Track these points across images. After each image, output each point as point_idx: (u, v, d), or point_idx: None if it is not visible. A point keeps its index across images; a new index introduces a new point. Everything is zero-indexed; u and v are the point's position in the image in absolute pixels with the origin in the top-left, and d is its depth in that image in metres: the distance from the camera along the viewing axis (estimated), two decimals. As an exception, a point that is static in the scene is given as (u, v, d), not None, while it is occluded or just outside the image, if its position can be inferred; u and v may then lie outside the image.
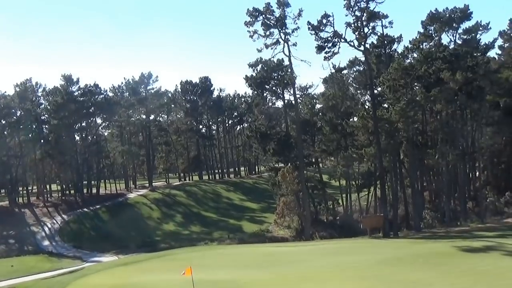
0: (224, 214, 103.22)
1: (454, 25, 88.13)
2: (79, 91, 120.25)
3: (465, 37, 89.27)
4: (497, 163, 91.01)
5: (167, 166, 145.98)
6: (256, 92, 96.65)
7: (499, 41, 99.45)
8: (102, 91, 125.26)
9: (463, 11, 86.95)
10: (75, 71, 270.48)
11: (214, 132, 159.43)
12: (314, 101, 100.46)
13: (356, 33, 67.81)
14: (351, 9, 66.17)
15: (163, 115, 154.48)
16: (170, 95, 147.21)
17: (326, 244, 56.49)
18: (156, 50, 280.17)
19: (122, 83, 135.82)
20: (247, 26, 76.30)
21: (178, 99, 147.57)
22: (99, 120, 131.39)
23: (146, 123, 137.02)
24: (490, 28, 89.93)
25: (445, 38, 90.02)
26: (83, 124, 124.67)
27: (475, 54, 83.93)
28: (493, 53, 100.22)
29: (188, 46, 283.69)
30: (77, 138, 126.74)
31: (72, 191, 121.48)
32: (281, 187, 77.15)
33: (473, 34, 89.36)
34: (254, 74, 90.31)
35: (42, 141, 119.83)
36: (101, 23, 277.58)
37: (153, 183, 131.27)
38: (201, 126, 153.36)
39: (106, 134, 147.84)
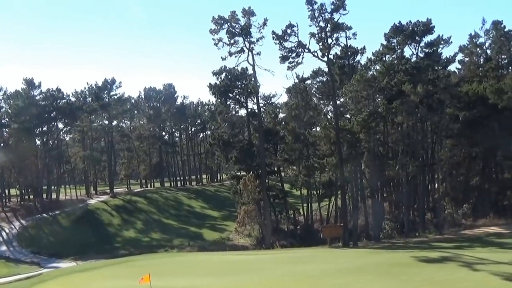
0: (185, 222, 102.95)
1: (416, 38, 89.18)
2: (41, 95, 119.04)
3: (427, 50, 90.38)
4: (455, 175, 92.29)
5: (128, 173, 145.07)
6: (219, 100, 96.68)
7: (460, 56, 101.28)
8: (64, 96, 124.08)
9: (425, 25, 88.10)
10: (37, 74, 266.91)
11: (176, 139, 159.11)
12: (277, 110, 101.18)
13: (320, 44, 68.43)
14: (315, 20, 66.76)
15: (125, 121, 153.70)
16: (133, 101, 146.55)
17: (286, 253, 56.63)
18: (120, 56, 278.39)
19: (85, 88, 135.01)
20: (212, 34, 76.49)
21: (141, 106, 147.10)
22: (60, 125, 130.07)
23: (108, 128, 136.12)
24: (451, 42, 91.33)
25: (408, 51, 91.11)
26: (44, 128, 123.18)
27: (436, 68, 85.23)
28: (453, 67, 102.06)
29: (153, 53, 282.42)
30: (38, 142, 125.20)
31: (32, 196, 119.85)
32: (243, 195, 77.17)
33: (434, 48, 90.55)
34: (218, 82, 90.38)
35: (1, 145, 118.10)
36: (67, 26, 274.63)
37: (114, 189, 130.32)
38: (164, 133, 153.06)
39: (67, 139, 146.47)
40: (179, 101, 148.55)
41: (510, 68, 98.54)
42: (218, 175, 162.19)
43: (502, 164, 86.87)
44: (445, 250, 47.15)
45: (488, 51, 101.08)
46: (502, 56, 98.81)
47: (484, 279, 30.48)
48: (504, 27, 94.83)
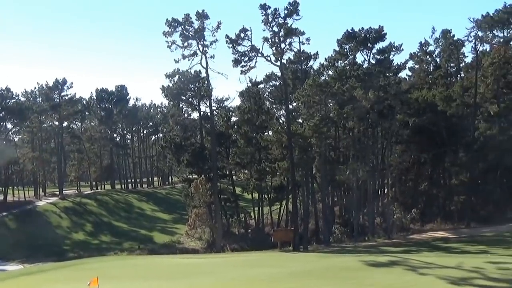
0: (136, 224, 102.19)
1: (368, 45, 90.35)
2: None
3: (378, 57, 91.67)
4: (404, 180, 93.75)
5: (79, 174, 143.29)
6: (172, 103, 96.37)
7: (410, 63, 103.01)
8: (13, 95, 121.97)
9: (377, 32, 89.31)
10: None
11: (128, 141, 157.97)
12: (230, 114, 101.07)
13: (273, 48, 68.68)
14: (268, 24, 67.00)
15: (76, 122, 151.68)
16: (84, 102, 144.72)
17: (236, 256, 56.62)
18: (72, 56, 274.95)
19: (35, 88, 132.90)
20: (166, 36, 76.12)
21: (93, 107, 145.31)
22: (9, 125, 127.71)
23: (58, 129, 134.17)
24: (402, 49, 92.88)
25: (360, 57, 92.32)
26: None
27: (387, 74, 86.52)
28: (404, 74, 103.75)
29: (105, 54, 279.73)
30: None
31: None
32: (194, 198, 77.07)
33: (386, 55, 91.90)
34: (170, 85, 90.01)
35: None
36: (18, 23, 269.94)
37: (63, 191, 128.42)
38: (115, 135, 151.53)
39: (16, 139, 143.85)
40: (131, 103, 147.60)
41: (458, 76, 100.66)
42: (170, 178, 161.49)
43: (450, 170, 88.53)
44: (394, 254, 47.72)
45: (438, 59, 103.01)
46: (451, 64, 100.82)
47: (430, 283, 31.02)
48: (453, 36, 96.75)
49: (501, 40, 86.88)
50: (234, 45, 69.74)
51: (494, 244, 54.53)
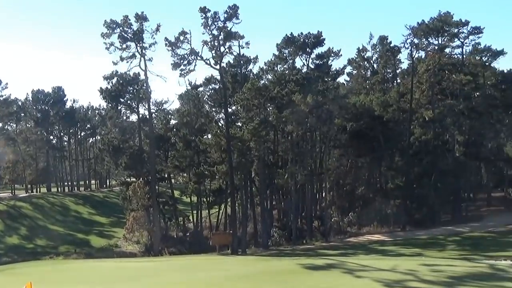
0: (72, 228, 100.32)
1: (307, 50, 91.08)
2: None
3: (317, 62, 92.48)
4: (342, 184, 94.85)
5: (13, 177, 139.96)
6: (110, 105, 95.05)
7: (348, 68, 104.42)
8: None
9: (316, 37, 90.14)
10: None
11: (65, 143, 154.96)
12: (169, 116, 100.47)
13: (213, 52, 68.57)
14: (208, 27, 66.89)
15: (11, 124, 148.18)
16: (20, 103, 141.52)
17: (174, 260, 56.35)
18: (7, 56, 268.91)
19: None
20: (104, 38, 75.16)
21: (29, 108, 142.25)
22: None
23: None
24: (341, 55, 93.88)
25: (299, 62, 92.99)
26: None
27: (326, 79, 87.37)
28: (342, 79, 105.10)
29: (42, 54, 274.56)
30: None
31: None
32: (132, 201, 76.28)
33: (325, 60, 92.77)
34: (109, 87, 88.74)
35: None
36: None
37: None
38: (51, 137, 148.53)
39: None
40: (68, 104, 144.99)
41: (395, 81, 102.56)
42: (108, 181, 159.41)
43: (386, 174, 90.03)
44: (331, 257, 48.29)
45: (375, 65, 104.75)
46: (388, 70, 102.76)
47: (366, 286, 31.48)
48: (390, 42, 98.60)
49: (436, 47, 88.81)
50: (174, 48, 69.33)
51: (428, 247, 55.72)
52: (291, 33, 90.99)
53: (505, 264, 39.33)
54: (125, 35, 75.66)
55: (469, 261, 41.82)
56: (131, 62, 77.07)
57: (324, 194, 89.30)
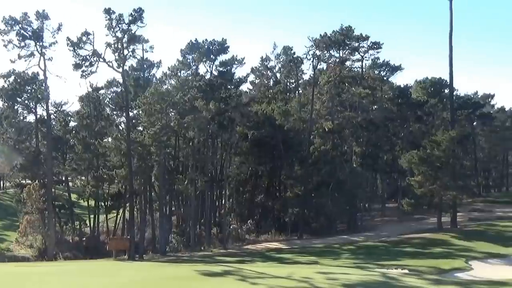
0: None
1: (211, 56, 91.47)
2: None
3: (221, 69, 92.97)
4: (242, 192, 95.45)
5: None
6: (6, 104, 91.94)
7: (251, 77, 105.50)
8: None
9: (220, 44, 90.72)
10: None
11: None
12: (68, 118, 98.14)
13: (116, 54, 67.52)
14: (112, 29, 65.83)
15: None
16: None
17: (69, 265, 55.13)
18: None
19: None
20: (1, 35, 72.54)
21: None
22: None
23: None
24: (245, 63, 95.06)
25: (202, 68, 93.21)
26: None
27: (229, 87, 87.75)
28: (245, 87, 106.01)
29: None
30: None
31: None
32: (26, 204, 74.05)
33: (228, 67, 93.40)
34: (6, 85, 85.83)
35: None
36: None
37: None
38: None
39: None
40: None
41: (296, 92, 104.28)
42: (2, 182, 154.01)
43: (285, 183, 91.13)
44: (228, 264, 48.46)
45: (278, 75, 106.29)
46: (291, 80, 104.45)
47: (262, 293, 31.85)
48: (294, 53, 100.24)
49: (337, 60, 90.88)
50: (75, 48, 67.75)
51: (324, 255, 56.74)
52: (196, 39, 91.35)
53: (396, 273, 40.72)
54: (24, 33, 73.25)
55: (362, 269, 43.02)
56: (30, 61, 74.57)
57: (223, 201, 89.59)
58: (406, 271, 41.88)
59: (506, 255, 52.24)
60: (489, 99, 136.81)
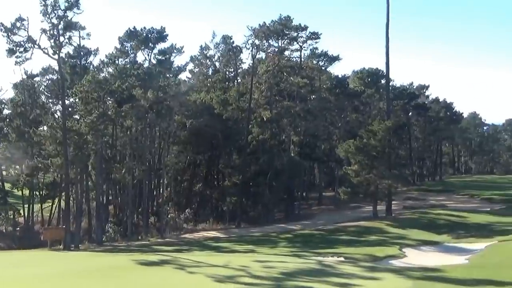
0: None
1: (150, 44, 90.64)
2: None
3: (159, 57, 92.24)
4: (180, 181, 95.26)
5: None
6: None
7: (190, 65, 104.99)
8: None
9: (159, 32, 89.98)
10: None
11: None
12: (2, 106, 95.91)
13: (52, 41, 66.14)
14: (47, 15, 64.43)
15: None
16: None
17: (2, 255, 54.22)
18: None
19: None
20: None
21: None
22: None
23: None
24: (184, 52, 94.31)
25: (141, 57, 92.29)
26: None
27: (167, 75, 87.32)
28: (184, 76, 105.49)
29: None
30: None
31: None
32: (-42, 194, 72.33)
33: (167, 56, 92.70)
34: None
35: None
36: None
37: None
38: None
39: None
40: None
41: (235, 81, 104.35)
42: None
43: (223, 172, 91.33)
44: (165, 253, 48.35)
45: (217, 64, 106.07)
46: (230, 69, 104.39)
47: (199, 281, 31.94)
48: (233, 42, 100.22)
49: (276, 49, 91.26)
50: (9, 34, 65.99)
51: (261, 244, 57.09)
52: (134, 27, 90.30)
53: (332, 260, 41.32)
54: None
55: (299, 257, 43.50)
56: (-40, 47, 72.56)
57: (161, 190, 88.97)
58: (342, 258, 42.45)
59: (439, 242, 53.49)
60: (424, 90, 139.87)
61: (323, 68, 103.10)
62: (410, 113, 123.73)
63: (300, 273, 33.66)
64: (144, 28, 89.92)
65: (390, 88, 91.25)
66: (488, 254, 42.97)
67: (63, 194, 76.34)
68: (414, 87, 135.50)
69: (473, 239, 53.50)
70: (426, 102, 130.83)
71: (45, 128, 77.82)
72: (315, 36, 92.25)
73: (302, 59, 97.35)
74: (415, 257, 44.45)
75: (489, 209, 76.48)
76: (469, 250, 46.57)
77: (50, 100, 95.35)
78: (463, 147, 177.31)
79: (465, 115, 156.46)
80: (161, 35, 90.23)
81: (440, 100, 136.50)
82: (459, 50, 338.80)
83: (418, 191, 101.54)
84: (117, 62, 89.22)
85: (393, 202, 77.76)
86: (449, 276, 31.89)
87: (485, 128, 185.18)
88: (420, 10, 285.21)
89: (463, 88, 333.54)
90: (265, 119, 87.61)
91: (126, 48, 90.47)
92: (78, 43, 75.67)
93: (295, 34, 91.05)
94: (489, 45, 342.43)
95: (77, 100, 73.51)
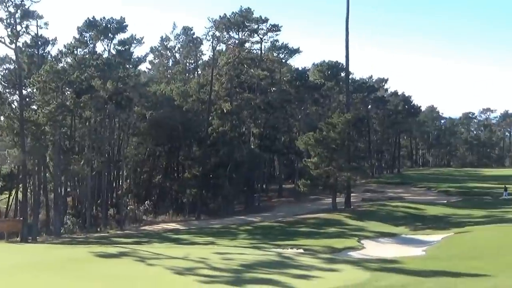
0: None
1: (109, 35, 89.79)
2: None
3: (119, 48, 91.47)
4: (139, 172, 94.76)
5: None
6: None
7: (150, 56, 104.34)
8: None
9: (119, 23, 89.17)
10: None
11: None
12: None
13: (8, 30, 65.02)
14: (4, 4, 63.32)
15: None
16: None
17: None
18: None
19: None
20: None
21: None
22: None
23: None
24: (144, 42, 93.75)
25: (100, 47, 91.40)
26: None
27: (127, 66, 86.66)
28: (144, 67, 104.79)
29: None
30: None
31: None
32: None
33: (127, 46, 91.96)
34: None
35: None
36: None
37: None
38: None
39: None
40: None
41: (196, 72, 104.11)
42: None
43: (183, 164, 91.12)
44: (124, 245, 48.06)
45: (177, 55, 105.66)
46: (190, 61, 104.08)
47: (157, 273, 31.84)
48: (194, 33, 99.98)
49: (237, 41, 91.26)
50: (-36, 22, 64.84)
51: (221, 236, 57.12)
52: (93, 16, 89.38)
53: (291, 252, 41.58)
54: None
55: (258, 249, 43.64)
56: None
57: (121, 181, 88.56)
58: (301, 250, 42.72)
59: (396, 234, 54.14)
60: (383, 83, 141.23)
61: (283, 60, 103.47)
62: (370, 106, 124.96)
63: (259, 265, 33.77)
64: (104, 18, 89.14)
65: (349, 81, 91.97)
66: (444, 245, 43.66)
67: (20, 185, 75.17)
68: (374, 80, 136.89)
69: (430, 231, 54.37)
70: (385, 95, 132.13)
71: (2, 118, 76.72)
72: (275, 28, 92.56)
73: (263, 51, 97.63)
74: (373, 249, 44.90)
75: (445, 201, 77.78)
76: (426, 241, 47.23)
77: (7, 90, 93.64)
78: (421, 140, 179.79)
79: (423, 108, 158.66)
80: (120, 26, 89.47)
81: (399, 94, 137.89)
82: (419, 42, 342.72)
83: (376, 183, 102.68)
84: (76, 52, 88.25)
85: (352, 194, 78.54)
86: (406, 268, 32.32)
87: (442, 121, 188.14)
88: (380, 1, 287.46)
89: (421, 81, 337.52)
90: (225, 111, 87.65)
91: (85, 38, 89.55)
92: (36, 32, 74.81)
93: (256, 26, 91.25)
94: (448, 38, 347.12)
95: (34, 90, 72.60)
